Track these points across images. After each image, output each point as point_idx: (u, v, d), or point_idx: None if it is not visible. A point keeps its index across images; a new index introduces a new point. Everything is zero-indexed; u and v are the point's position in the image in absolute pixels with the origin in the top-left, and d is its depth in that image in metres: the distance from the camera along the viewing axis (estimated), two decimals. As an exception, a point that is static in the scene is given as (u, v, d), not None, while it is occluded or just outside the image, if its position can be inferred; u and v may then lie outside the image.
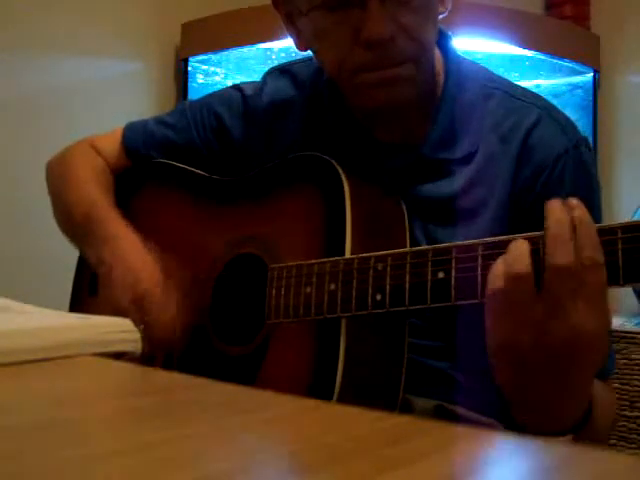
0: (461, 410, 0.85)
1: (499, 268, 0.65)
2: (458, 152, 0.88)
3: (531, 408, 0.69)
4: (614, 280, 0.63)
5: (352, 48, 0.82)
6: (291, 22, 0.91)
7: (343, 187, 0.83)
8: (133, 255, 0.92)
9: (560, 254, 0.62)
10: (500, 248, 0.68)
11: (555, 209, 0.64)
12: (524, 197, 0.86)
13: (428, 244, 0.85)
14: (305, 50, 0.92)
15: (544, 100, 0.92)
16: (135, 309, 0.87)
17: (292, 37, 0.93)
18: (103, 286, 0.95)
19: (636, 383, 1.50)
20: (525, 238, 0.66)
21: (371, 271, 0.78)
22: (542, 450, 0.30)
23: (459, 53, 0.95)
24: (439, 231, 0.87)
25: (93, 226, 0.97)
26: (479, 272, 0.70)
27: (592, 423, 0.70)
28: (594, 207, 0.85)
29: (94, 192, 1.03)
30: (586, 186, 0.87)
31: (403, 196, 0.89)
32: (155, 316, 0.87)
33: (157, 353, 0.92)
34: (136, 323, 0.87)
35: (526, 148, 0.87)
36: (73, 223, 1.02)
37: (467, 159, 0.88)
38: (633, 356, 1.50)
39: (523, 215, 0.85)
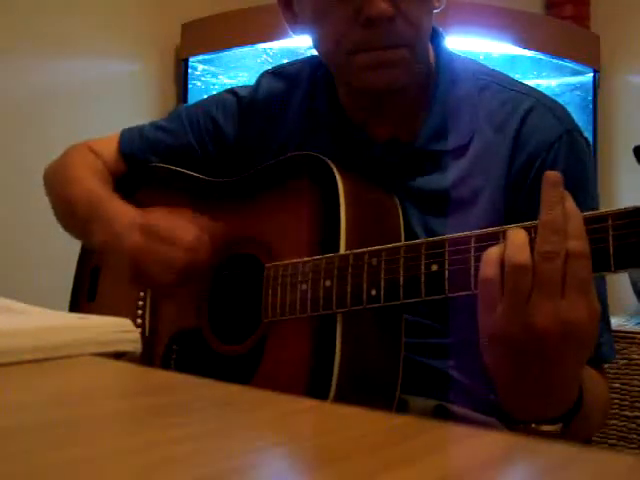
0: (461, 410, 0.86)
1: (493, 257, 0.64)
2: (451, 143, 0.89)
3: (521, 395, 0.68)
4: (605, 267, 0.63)
5: (351, 27, 0.83)
6: (288, 5, 0.93)
7: (337, 185, 0.84)
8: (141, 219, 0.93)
9: (550, 242, 0.61)
10: (492, 239, 0.69)
11: (549, 199, 0.63)
12: (519, 184, 0.86)
13: (426, 235, 0.86)
14: (300, 33, 0.93)
15: (537, 91, 0.93)
16: (150, 239, 0.88)
17: (287, 20, 0.94)
18: (110, 260, 0.96)
19: (636, 383, 1.49)
20: (520, 227, 0.65)
21: (366, 266, 0.78)
22: (542, 450, 0.30)
23: (451, 50, 0.95)
24: (437, 222, 0.88)
25: (96, 212, 0.97)
26: (472, 264, 0.70)
27: (583, 412, 0.70)
28: (587, 193, 0.85)
29: (94, 185, 1.03)
30: (578, 171, 0.87)
31: (400, 189, 0.90)
32: (174, 239, 0.88)
33: (181, 281, 0.90)
34: (155, 254, 0.88)
35: (521, 135, 0.87)
36: (75, 216, 1.02)
37: (461, 151, 0.89)
38: (633, 356, 1.50)
39: (519, 202, 0.86)
